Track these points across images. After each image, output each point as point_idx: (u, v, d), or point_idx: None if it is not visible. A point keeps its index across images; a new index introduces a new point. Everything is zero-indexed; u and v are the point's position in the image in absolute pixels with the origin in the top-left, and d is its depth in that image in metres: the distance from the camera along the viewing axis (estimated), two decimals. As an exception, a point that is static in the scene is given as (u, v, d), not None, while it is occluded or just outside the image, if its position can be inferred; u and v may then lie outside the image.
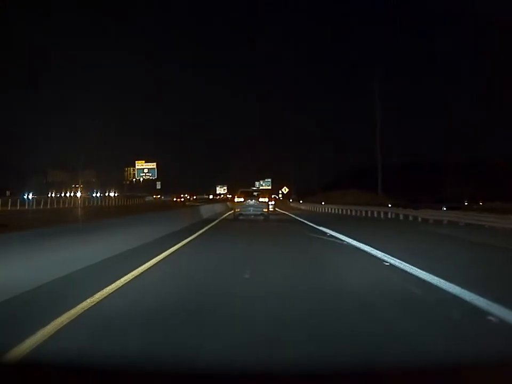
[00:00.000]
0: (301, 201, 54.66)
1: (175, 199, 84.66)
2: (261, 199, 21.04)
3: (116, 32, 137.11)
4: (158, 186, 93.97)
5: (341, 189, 57.01)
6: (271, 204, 27.31)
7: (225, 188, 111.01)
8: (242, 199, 21.01)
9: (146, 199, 79.28)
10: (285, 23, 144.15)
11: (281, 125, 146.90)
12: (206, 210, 24.97)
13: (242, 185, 50.05)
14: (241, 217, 20.54)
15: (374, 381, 2.30)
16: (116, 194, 77.89)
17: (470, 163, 54.88)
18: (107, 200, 61.95)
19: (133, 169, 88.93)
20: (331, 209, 34.41)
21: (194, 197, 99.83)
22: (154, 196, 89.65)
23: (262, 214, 20.54)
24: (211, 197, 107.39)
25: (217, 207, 32.29)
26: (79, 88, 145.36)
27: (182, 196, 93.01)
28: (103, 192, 78.21)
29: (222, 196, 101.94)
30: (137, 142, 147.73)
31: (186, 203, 70.54)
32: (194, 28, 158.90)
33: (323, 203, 41.55)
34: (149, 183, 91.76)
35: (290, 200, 61.51)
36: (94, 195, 69.11)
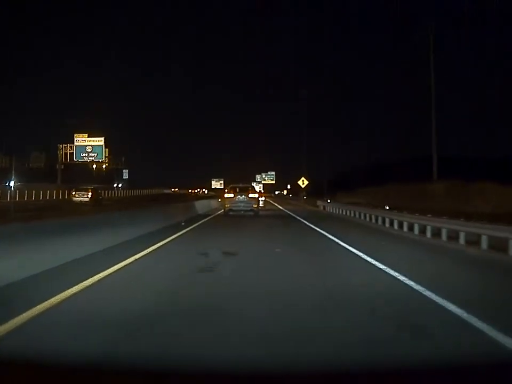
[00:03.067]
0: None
1: (190, 191, 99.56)
2: (250, 195, 21.51)
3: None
4: (125, 175, 63.70)
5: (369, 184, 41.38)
6: (261, 200, 27.39)
7: (222, 181, 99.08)
8: (232, 195, 21.66)
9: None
10: None
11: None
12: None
13: (242, 179, 40.10)
14: (231, 213, 21.41)
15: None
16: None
17: None
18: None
19: (70, 147, 54.98)
20: None
21: (204, 190, 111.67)
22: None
23: (251, 210, 21.20)
24: (206, 191, 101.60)
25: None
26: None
27: (195, 189, 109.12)
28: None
29: (226, 190, 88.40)
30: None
31: (198, 195, 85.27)
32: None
33: None
34: (112, 172, 59.30)
35: (328, 201, 37.30)
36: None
